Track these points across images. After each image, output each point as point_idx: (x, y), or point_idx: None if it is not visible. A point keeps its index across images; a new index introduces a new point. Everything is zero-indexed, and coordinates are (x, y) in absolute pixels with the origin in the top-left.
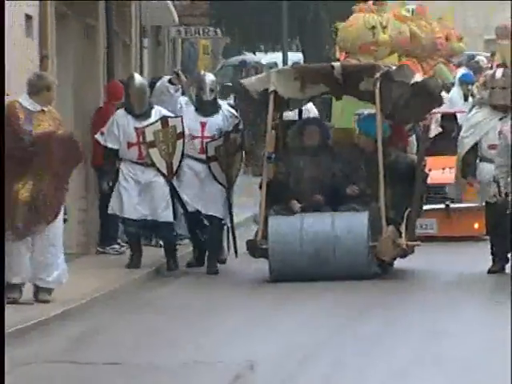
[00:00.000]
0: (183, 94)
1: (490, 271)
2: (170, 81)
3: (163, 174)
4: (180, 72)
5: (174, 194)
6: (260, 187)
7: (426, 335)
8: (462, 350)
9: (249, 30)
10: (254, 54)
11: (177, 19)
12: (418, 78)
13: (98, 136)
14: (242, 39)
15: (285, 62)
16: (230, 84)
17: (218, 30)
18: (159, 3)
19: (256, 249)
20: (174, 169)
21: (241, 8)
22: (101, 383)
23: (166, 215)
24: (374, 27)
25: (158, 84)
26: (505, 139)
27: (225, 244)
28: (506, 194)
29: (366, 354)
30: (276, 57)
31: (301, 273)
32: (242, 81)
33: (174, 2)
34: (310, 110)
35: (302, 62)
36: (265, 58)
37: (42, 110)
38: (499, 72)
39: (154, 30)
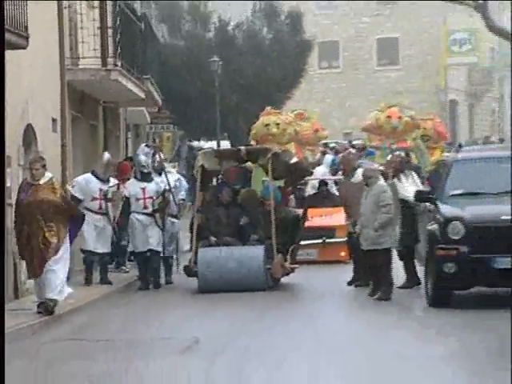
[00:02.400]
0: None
1: (349, 283)
2: (146, 145)
3: (111, 221)
4: (152, 143)
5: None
6: (190, 229)
7: (302, 327)
8: (328, 338)
9: (195, 127)
10: (199, 141)
11: (149, 120)
12: (295, 159)
13: (69, 187)
14: (191, 133)
15: (218, 146)
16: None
17: (176, 127)
18: (138, 110)
19: (190, 271)
20: (116, 219)
21: (191, 114)
22: (99, 352)
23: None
24: (268, 125)
25: (139, 149)
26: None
27: (174, 268)
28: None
29: (265, 337)
30: (213, 144)
31: (219, 287)
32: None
33: (148, 109)
34: None
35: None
36: (206, 144)
37: (37, 182)
38: None
39: (135, 127)
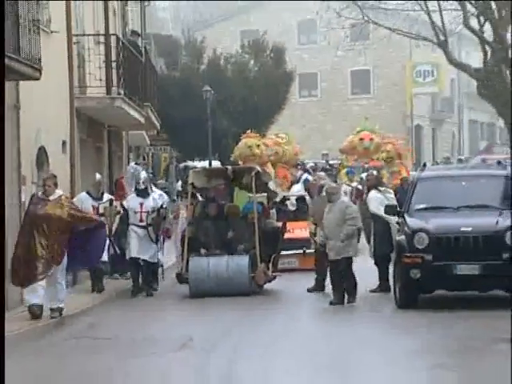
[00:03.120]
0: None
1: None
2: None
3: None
4: (141, 161)
5: (112, 246)
6: (181, 240)
7: (283, 326)
8: (304, 335)
9: (189, 149)
10: (193, 161)
11: (149, 142)
12: (271, 183)
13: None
14: (185, 154)
15: (209, 162)
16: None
17: (172, 149)
18: (139, 133)
19: (182, 278)
20: (113, 231)
21: (185, 137)
22: (105, 348)
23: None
24: (250, 146)
25: (129, 166)
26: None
27: (159, 277)
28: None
29: (250, 335)
30: (206, 163)
31: (208, 292)
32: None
33: (147, 132)
34: None
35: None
36: (199, 164)
37: (48, 199)
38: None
39: (136, 148)
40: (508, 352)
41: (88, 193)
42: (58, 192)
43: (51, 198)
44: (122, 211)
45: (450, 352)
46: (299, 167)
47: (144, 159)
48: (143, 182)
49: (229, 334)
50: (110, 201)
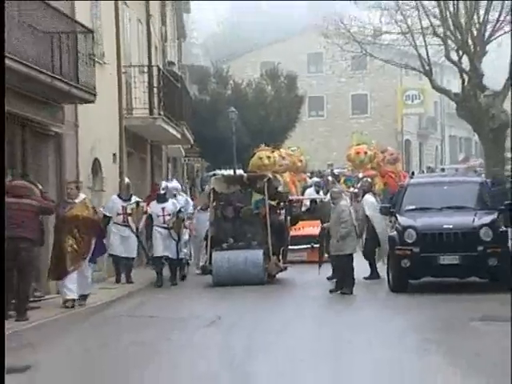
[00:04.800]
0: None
1: (329, 278)
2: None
3: (134, 231)
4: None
5: (139, 244)
6: (205, 238)
7: (293, 307)
8: (311, 314)
9: (217, 160)
10: (220, 170)
11: (184, 154)
12: (281, 187)
13: (101, 209)
14: (214, 163)
15: (234, 172)
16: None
17: (203, 159)
18: (175, 147)
19: (206, 269)
20: (139, 229)
21: (214, 150)
22: (148, 325)
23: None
24: (261, 158)
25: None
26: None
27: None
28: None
29: (265, 315)
30: (231, 171)
31: (228, 281)
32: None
33: (182, 146)
34: None
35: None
36: (225, 172)
37: (74, 202)
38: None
39: (173, 159)
40: (482, 329)
41: (118, 195)
42: (82, 195)
43: (77, 200)
44: (147, 212)
45: (435, 329)
46: (310, 174)
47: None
48: (163, 189)
49: (248, 314)
50: (137, 202)
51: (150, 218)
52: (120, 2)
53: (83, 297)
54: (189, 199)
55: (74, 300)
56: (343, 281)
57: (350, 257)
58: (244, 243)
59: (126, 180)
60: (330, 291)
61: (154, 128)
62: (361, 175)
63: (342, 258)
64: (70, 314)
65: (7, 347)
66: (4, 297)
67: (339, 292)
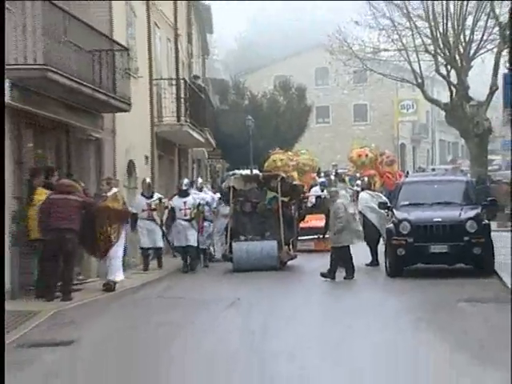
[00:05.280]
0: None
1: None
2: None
3: (158, 224)
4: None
5: (164, 235)
6: (225, 230)
7: (302, 290)
8: (317, 296)
9: (236, 161)
10: (239, 169)
11: (207, 156)
12: (296, 182)
13: (130, 208)
14: (234, 164)
15: (251, 170)
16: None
17: (224, 160)
18: (200, 149)
19: (227, 257)
20: (163, 222)
21: (233, 152)
22: (176, 305)
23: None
24: (274, 160)
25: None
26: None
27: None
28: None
29: (279, 296)
30: (248, 171)
31: (246, 268)
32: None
33: (206, 149)
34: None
35: (257, 172)
36: (243, 171)
37: (106, 195)
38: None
39: (198, 160)
40: (468, 309)
41: (142, 194)
42: (114, 189)
43: (108, 194)
44: (170, 207)
45: (426, 309)
46: (317, 174)
47: (198, 174)
48: (185, 185)
49: (263, 296)
50: (160, 199)
51: (172, 211)
52: (152, 24)
53: (110, 282)
54: (214, 196)
55: (114, 283)
56: (345, 268)
57: (348, 248)
58: (259, 235)
59: (147, 180)
60: (323, 275)
61: (181, 133)
62: (358, 175)
63: (340, 249)
64: (108, 296)
65: (54, 324)
66: (4, 296)
67: (343, 277)
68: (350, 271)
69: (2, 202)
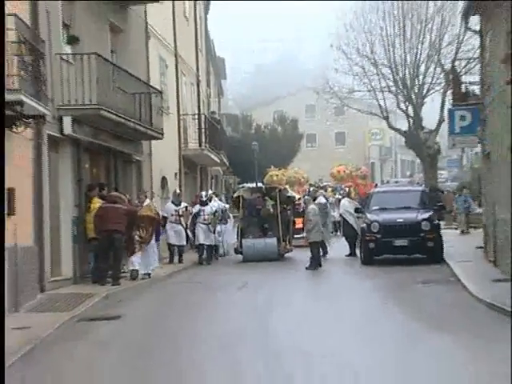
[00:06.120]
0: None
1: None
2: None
3: (183, 226)
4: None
5: (187, 235)
6: (236, 230)
7: (296, 274)
8: (306, 278)
9: (245, 176)
10: (246, 183)
11: (222, 173)
12: (291, 193)
13: (162, 212)
14: (242, 179)
15: (256, 184)
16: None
17: (235, 176)
18: (216, 168)
19: (237, 251)
20: (187, 225)
21: (242, 170)
22: (197, 288)
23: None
24: (271, 175)
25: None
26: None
27: (221, 251)
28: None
29: (279, 280)
30: (253, 184)
31: (253, 259)
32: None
33: (221, 168)
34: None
35: (261, 185)
36: (250, 184)
37: (142, 205)
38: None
39: (215, 177)
40: (422, 289)
41: (172, 202)
42: (147, 201)
43: (144, 204)
44: (193, 213)
45: (391, 289)
46: (309, 186)
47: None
48: (205, 196)
49: (267, 280)
50: (186, 207)
51: (194, 216)
52: (179, 72)
53: (147, 274)
54: (226, 205)
55: (137, 271)
56: (310, 260)
57: (316, 244)
58: (263, 233)
59: (177, 191)
60: (306, 268)
61: (202, 156)
62: (343, 186)
63: (312, 244)
64: (147, 281)
65: (106, 303)
66: (4, 296)
67: (315, 267)
68: (313, 264)
69: (1, 203)
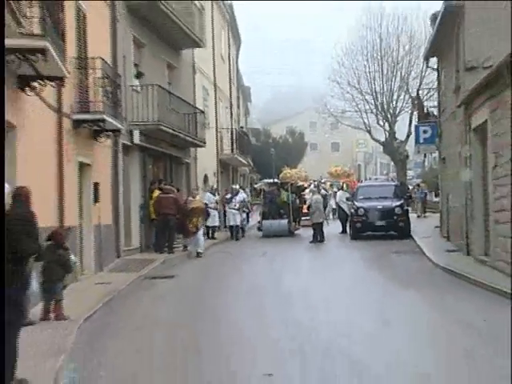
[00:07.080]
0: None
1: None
2: (240, 187)
3: (218, 211)
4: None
5: (220, 218)
6: (259, 213)
7: (305, 246)
8: (310, 250)
9: (265, 174)
10: (266, 179)
11: (248, 172)
12: (302, 183)
13: (204, 200)
14: (263, 176)
15: (273, 179)
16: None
17: (258, 174)
18: (244, 168)
19: (259, 229)
20: (221, 210)
21: (264, 169)
22: (230, 256)
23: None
24: (285, 173)
25: (235, 186)
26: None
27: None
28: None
29: (292, 251)
30: (270, 180)
31: (270, 234)
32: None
33: (248, 168)
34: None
35: (278, 180)
36: (269, 180)
37: (194, 199)
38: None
39: (243, 175)
40: (396, 258)
41: (211, 192)
42: (197, 196)
43: (196, 198)
44: (225, 200)
45: (373, 257)
46: (311, 181)
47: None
48: (235, 189)
49: (280, 250)
50: (220, 197)
51: (227, 203)
52: (217, 98)
53: (199, 253)
54: (245, 195)
55: (190, 251)
56: (318, 236)
57: (321, 224)
58: (278, 216)
59: (214, 186)
60: (310, 242)
61: (233, 159)
62: (341, 182)
63: (316, 224)
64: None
65: (164, 266)
66: (4, 295)
67: (318, 242)
68: (317, 238)
69: (1, 201)
